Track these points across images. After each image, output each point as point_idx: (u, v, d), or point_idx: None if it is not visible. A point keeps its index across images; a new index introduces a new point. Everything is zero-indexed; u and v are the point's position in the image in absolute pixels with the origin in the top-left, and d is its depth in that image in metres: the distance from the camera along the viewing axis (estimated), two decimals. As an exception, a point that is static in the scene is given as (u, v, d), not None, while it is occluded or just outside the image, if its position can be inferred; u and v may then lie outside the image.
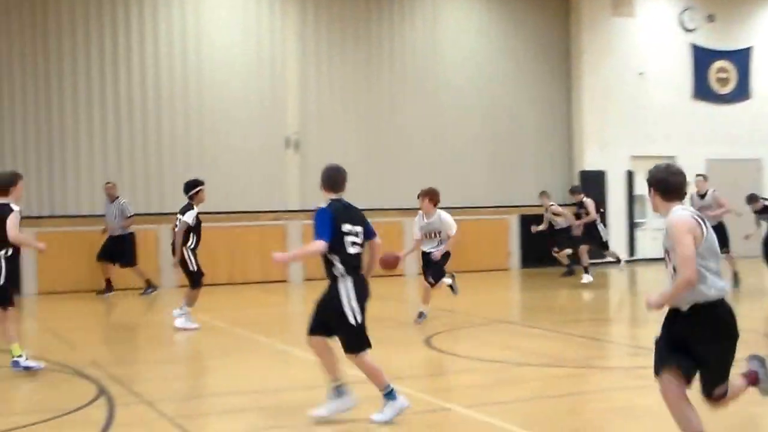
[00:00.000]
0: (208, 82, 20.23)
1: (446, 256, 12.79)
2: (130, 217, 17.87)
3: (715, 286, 5.54)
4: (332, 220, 7.29)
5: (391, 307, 15.35)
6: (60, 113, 19.19)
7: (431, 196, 12.66)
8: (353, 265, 7.35)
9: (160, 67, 19.87)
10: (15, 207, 9.91)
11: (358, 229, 7.44)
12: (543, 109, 23.58)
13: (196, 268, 12.99)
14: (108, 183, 18.23)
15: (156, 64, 19.85)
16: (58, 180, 19.19)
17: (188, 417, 7.90)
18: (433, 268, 12.71)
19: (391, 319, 13.43)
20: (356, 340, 7.29)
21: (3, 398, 9.19)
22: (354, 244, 7.37)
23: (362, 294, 7.33)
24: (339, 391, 7.35)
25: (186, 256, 12.91)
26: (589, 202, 18.84)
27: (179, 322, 12.99)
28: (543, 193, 20.28)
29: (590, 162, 23.41)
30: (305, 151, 20.81)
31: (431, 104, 22.27)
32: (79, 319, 13.87)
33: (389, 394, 7.19)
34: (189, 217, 12.88)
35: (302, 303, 15.58)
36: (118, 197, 17.98)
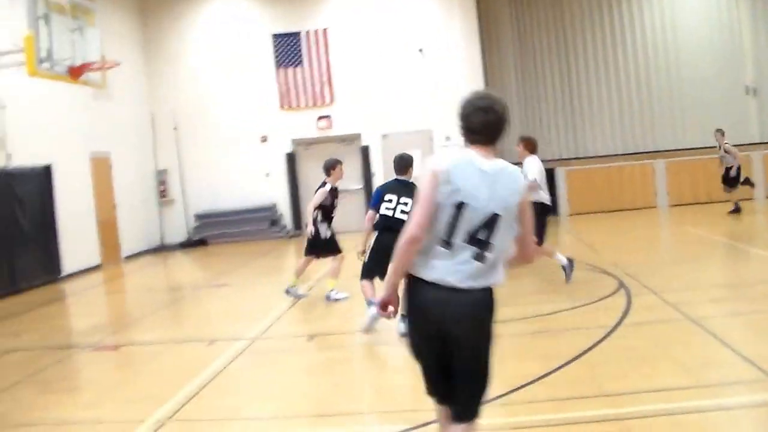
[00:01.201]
0: (682, 44, 22.88)
1: (542, 210, 10.36)
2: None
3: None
4: (378, 194, 8.86)
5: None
6: (578, 79, 23.52)
7: (525, 142, 10.93)
8: (382, 223, 8.68)
9: (645, 38, 23.14)
10: (328, 186, 10.63)
11: (404, 200, 8.58)
12: None
13: None
14: None
15: (643, 36, 23.13)
16: (578, 128, 23.28)
17: (686, 304, 8.64)
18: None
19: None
20: (362, 270, 9.02)
21: (555, 289, 10.45)
22: (388, 209, 8.67)
23: (381, 246, 8.43)
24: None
25: None
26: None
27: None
28: (719, 131, 17.99)
29: None
30: (763, 96, 22.38)
31: None
32: (600, 233, 16.19)
33: (369, 304, 8.77)
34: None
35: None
36: None
